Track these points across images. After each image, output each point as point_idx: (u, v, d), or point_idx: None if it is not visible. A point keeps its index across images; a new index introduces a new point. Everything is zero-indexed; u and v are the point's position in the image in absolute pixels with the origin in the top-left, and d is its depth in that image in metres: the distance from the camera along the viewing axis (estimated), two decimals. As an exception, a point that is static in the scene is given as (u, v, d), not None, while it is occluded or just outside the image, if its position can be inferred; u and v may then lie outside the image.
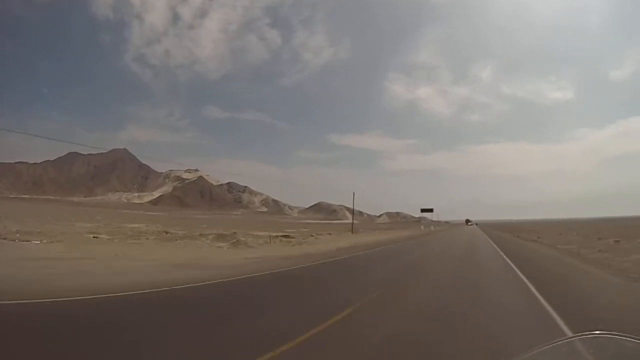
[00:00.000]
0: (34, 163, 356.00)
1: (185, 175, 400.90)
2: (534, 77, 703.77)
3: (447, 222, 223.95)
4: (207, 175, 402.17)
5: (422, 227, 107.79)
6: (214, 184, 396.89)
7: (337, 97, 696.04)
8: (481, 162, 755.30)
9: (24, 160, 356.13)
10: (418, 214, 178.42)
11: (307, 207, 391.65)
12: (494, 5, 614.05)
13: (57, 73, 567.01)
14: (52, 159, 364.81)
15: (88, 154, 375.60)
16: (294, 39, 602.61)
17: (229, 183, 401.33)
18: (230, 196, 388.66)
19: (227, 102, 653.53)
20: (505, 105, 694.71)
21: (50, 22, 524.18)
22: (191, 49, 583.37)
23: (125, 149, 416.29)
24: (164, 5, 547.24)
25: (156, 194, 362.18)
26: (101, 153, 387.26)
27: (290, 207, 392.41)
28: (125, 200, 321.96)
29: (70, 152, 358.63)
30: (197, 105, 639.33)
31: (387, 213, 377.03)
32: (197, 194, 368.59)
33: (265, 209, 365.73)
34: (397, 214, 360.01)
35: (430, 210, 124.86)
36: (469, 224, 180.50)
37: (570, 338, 1.61)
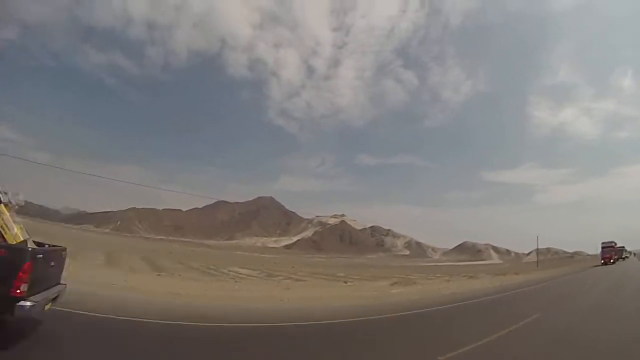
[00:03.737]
0: (177, 209, 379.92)
1: (330, 221, 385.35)
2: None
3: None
4: (354, 221, 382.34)
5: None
6: (357, 228, 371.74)
7: (484, 132, 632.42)
8: (632, 184, 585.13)
9: (174, 208, 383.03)
10: (572, 249, 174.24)
11: (451, 248, 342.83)
12: (622, 4, 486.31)
13: (211, 134, 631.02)
14: (200, 207, 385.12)
15: (235, 203, 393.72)
16: (429, 78, 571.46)
17: (372, 227, 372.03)
18: (373, 240, 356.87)
19: (375, 148, 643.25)
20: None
21: (193, 86, 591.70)
22: (331, 99, 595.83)
23: (271, 197, 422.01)
24: (296, 60, 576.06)
25: (295, 239, 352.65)
26: (248, 201, 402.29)
27: (434, 249, 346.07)
28: (260, 245, 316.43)
29: (218, 201, 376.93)
30: (347, 153, 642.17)
31: (536, 250, 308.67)
32: (336, 238, 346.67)
33: (407, 252, 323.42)
34: (548, 250, 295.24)
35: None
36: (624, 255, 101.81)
37: None
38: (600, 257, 73.93)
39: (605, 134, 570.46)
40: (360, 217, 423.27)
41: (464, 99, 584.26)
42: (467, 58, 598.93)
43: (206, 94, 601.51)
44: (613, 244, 76.42)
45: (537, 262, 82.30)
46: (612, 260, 69.51)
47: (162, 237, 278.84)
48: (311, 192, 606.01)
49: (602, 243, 77.17)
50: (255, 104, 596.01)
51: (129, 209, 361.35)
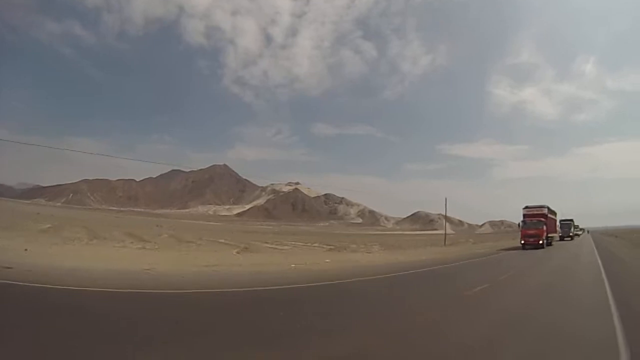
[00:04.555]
0: (130, 179, 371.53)
1: (284, 189, 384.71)
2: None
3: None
4: (308, 189, 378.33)
5: None
6: (311, 196, 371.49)
7: (444, 106, 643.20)
8: (590, 164, 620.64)
9: (130, 178, 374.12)
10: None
11: (404, 217, 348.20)
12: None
13: (165, 102, 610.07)
14: (154, 177, 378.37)
15: (190, 171, 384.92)
16: (388, 50, 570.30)
17: (325, 195, 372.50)
18: (326, 207, 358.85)
19: (332, 118, 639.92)
20: (613, 102, 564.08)
21: (149, 55, 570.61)
22: (288, 68, 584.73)
23: (225, 165, 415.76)
24: (254, 28, 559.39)
25: (247, 207, 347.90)
26: (201, 169, 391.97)
27: (387, 218, 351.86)
28: (212, 213, 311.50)
29: (172, 170, 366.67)
30: (304, 123, 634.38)
31: (490, 222, 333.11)
32: (289, 206, 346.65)
33: (360, 220, 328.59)
34: (502, 222, 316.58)
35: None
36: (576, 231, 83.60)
37: None
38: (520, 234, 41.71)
39: (565, 115, 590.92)
40: (316, 186, 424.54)
41: (422, 72, 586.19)
42: (429, 32, 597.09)
43: (163, 63, 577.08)
44: (545, 211, 42.88)
45: (445, 237, 57.36)
46: (541, 242, 39.05)
47: (114, 207, 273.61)
48: (267, 160, 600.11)
49: (525, 208, 43.16)
50: (211, 72, 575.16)
51: (81, 180, 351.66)
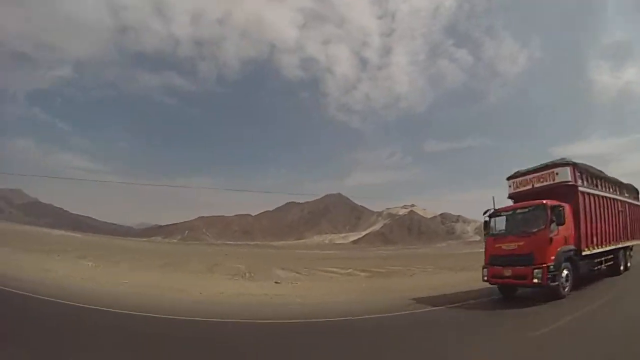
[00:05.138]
0: (246, 214, 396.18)
1: (400, 212, 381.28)
2: None
3: None
4: (424, 210, 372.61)
5: None
6: (426, 217, 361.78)
7: (547, 104, 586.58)
8: None
9: (246, 213, 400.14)
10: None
11: None
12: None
13: (276, 138, 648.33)
14: (270, 210, 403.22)
15: (305, 202, 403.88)
16: (483, 53, 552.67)
17: (442, 214, 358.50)
18: (443, 227, 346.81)
19: (442, 132, 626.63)
20: None
21: (251, 93, 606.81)
22: (389, 88, 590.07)
23: (339, 194, 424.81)
24: (347, 53, 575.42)
25: (364, 233, 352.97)
26: (317, 199, 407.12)
27: None
28: (327, 242, 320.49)
29: (288, 203, 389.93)
30: (415, 141, 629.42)
31: None
32: (405, 229, 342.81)
33: (478, 238, 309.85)
34: None
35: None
36: None
37: None
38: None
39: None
40: (431, 205, 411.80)
41: (521, 69, 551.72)
42: (519, 26, 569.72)
43: (265, 100, 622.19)
44: (568, 175, 13.37)
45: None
46: (549, 277, 11.49)
47: (229, 242, 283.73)
48: (383, 184, 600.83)
49: (514, 178, 15.67)
50: (315, 102, 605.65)
51: (197, 218, 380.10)
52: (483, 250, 14.13)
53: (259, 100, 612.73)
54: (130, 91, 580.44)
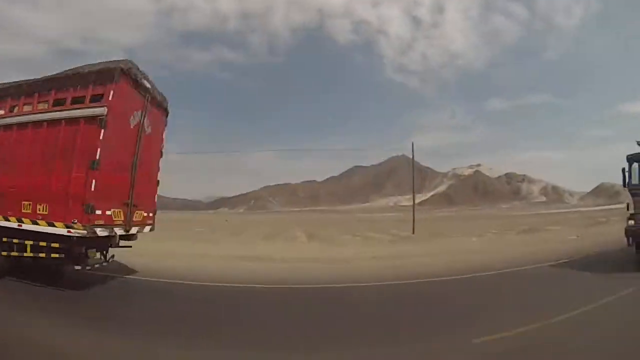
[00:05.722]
0: (312, 180, 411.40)
1: (465, 172, 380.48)
2: None
3: None
4: (490, 169, 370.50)
5: None
6: (492, 177, 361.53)
7: (612, 57, 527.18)
8: None
9: (312, 180, 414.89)
10: None
11: (588, 191, 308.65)
12: None
13: (335, 102, 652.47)
14: (336, 175, 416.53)
15: (370, 166, 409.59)
16: (538, 6, 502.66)
17: (507, 174, 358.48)
18: (508, 188, 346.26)
19: (502, 90, 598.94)
20: None
21: (306, 61, 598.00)
22: (445, 47, 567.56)
23: (403, 155, 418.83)
24: (399, 14, 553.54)
25: (429, 195, 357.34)
26: (382, 162, 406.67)
27: (571, 194, 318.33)
28: (392, 205, 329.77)
29: (353, 167, 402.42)
30: (476, 101, 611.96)
31: None
32: (470, 190, 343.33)
33: (544, 199, 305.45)
34: None
35: None
36: None
37: None
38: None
39: None
40: (496, 165, 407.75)
41: (579, 21, 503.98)
42: None
43: (320, 67, 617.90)
44: None
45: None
46: None
47: (295, 209, 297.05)
48: (446, 145, 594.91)
49: None
50: (371, 65, 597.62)
51: (262, 187, 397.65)
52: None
53: (314, 67, 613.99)
54: (184, 70, 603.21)
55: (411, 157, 37.01)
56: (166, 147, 10.32)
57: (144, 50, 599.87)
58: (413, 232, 28.76)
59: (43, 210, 7.64)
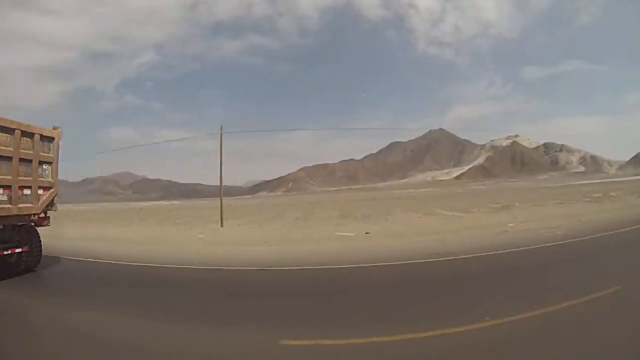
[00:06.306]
0: (350, 159, 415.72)
1: (503, 143, 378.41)
2: None
3: None
4: (528, 139, 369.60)
5: None
6: (530, 147, 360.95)
7: None
8: None
9: (349, 158, 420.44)
10: None
11: (627, 160, 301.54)
12: None
13: (369, 79, 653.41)
14: (374, 152, 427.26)
15: (408, 141, 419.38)
16: None
17: (545, 144, 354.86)
18: (546, 158, 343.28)
19: (537, 57, 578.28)
20: None
21: (338, 40, 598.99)
22: (477, 17, 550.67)
23: (441, 129, 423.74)
24: None
25: (467, 168, 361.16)
26: (419, 137, 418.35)
27: (610, 163, 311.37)
28: (430, 179, 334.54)
29: (391, 143, 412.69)
30: (512, 69, 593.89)
31: None
32: (507, 162, 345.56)
33: (582, 169, 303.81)
34: None
35: None
36: None
37: None
38: None
39: None
40: (534, 134, 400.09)
41: None
42: None
43: (352, 44, 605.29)
44: None
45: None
46: None
47: (333, 188, 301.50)
48: (484, 116, 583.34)
49: None
50: (403, 39, 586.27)
51: (299, 169, 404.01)
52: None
53: (346, 45, 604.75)
54: (216, 59, 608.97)
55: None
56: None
57: (173, 44, 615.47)
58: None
59: None
